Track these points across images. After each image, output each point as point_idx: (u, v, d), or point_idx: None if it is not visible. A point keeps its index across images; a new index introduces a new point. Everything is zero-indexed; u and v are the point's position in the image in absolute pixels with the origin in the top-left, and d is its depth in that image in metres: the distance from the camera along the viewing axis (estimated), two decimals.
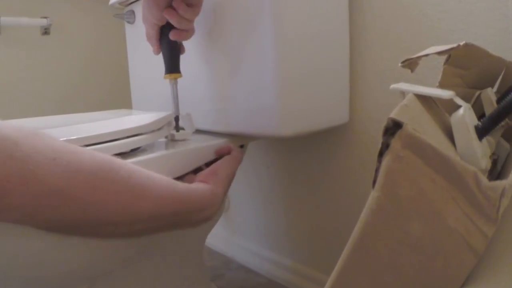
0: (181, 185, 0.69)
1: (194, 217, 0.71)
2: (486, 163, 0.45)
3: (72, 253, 0.66)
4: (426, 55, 0.57)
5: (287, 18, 0.85)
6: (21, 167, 0.50)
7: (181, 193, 0.68)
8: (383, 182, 0.38)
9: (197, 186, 0.74)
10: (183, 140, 0.92)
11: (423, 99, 0.51)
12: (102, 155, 0.60)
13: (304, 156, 1.22)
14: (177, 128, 0.93)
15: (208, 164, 0.86)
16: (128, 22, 1.23)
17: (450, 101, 0.50)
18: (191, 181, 0.78)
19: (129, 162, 0.65)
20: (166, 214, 0.65)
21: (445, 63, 0.61)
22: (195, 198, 0.70)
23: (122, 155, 0.74)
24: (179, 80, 0.94)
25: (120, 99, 1.67)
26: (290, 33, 0.86)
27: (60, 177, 0.53)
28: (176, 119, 0.93)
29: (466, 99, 0.52)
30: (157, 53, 0.95)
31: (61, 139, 0.65)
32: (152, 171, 0.68)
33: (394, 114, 0.39)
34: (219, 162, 0.85)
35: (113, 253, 0.74)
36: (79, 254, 0.67)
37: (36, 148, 0.52)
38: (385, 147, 0.39)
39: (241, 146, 1.02)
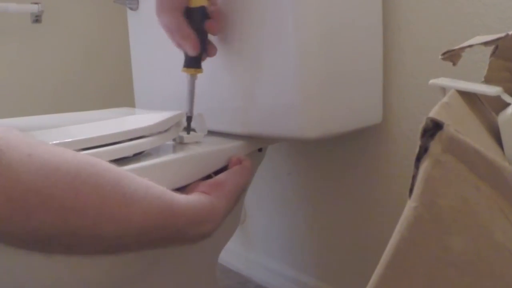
0: (177, 195, 0.69)
1: (191, 232, 0.71)
2: None
3: (63, 271, 0.67)
4: (470, 46, 0.58)
5: (310, 8, 0.86)
6: None
7: (177, 205, 0.68)
8: (421, 191, 0.39)
9: (196, 198, 0.74)
10: (194, 143, 0.92)
11: (466, 96, 0.51)
12: (86, 156, 0.61)
13: (331, 161, 1.22)
14: (188, 129, 0.94)
15: (217, 172, 0.87)
16: (131, 8, 1.24)
17: (497, 98, 0.50)
18: (195, 189, 0.79)
19: (120, 168, 0.65)
20: (158, 227, 0.65)
21: (491, 55, 0.61)
22: (192, 211, 0.71)
23: (124, 160, 0.75)
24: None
25: (121, 96, 1.67)
26: (315, 24, 0.86)
27: (36, 175, 0.53)
28: (189, 119, 0.94)
29: None
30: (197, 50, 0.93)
31: (53, 142, 0.66)
32: (158, 178, 0.68)
33: (433, 113, 0.39)
34: (226, 172, 0.86)
35: (110, 272, 0.75)
36: (71, 272, 0.68)
37: (8, 143, 0.53)
38: (423, 150, 0.39)
39: (259, 150, 1.02)
